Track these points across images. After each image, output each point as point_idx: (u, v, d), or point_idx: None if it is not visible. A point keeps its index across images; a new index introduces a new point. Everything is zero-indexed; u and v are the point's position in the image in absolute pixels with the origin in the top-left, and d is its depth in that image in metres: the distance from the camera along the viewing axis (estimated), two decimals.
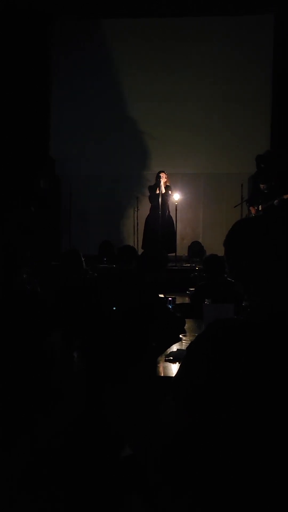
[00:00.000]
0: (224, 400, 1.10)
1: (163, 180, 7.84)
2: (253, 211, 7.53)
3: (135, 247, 6.98)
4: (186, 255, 8.59)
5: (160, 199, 7.76)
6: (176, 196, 7.94)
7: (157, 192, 7.84)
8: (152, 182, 8.16)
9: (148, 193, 8.25)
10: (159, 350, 2.59)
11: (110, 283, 3.36)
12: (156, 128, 8.89)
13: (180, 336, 3.05)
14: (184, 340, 2.98)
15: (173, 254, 7.91)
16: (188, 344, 1.23)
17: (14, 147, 8.42)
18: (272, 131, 8.71)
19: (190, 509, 1.21)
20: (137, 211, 8.39)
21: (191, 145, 8.80)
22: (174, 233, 8.09)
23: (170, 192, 7.92)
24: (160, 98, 8.82)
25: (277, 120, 8.63)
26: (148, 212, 8.21)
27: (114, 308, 2.83)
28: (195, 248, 8.60)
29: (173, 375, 1.21)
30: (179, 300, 4.21)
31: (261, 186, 7.54)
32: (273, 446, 1.09)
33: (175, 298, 3.77)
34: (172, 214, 8.01)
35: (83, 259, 3.95)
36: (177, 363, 2.43)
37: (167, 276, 3.52)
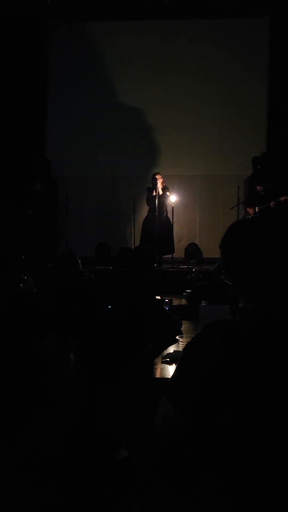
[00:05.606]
0: (221, 401, 1.10)
1: (159, 181, 7.82)
2: (250, 211, 7.52)
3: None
4: (183, 256, 8.59)
5: (157, 201, 7.75)
6: (172, 198, 7.93)
7: (154, 194, 7.83)
8: (149, 184, 8.15)
9: (145, 195, 8.22)
10: (156, 351, 2.59)
11: (108, 284, 3.36)
12: (153, 130, 8.90)
13: (177, 337, 3.06)
14: (181, 341, 2.98)
15: (170, 256, 7.91)
16: (184, 346, 1.23)
17: (10, 148, 8.41)
18: (268, 133, 8.74)
19: (187, 511, 1.21)
20: (135, 213, 8.38)
21: (187, 147, 8.81)
22: (171, 234, 8.08)
23: (168, 193, 7.90)
24: (156, 100, 8.84)
25: (273, 122, 8.66)
26: (146, 214, 8.19)
27: (109, 307, 2.84)
28: (192, 249, 8.61)
29: (170, 376, 1.21)
30: (175, 302, 4.21)
31: (258, 188, 7.56)
32: (272, 444, 1.09)
33: (171, 299, 3.77)
34: (169, 215, 8.00)
35: (79, 261, 3.95)
36: (174, 364, 2.43)
37: (161, 274, 3.53)
